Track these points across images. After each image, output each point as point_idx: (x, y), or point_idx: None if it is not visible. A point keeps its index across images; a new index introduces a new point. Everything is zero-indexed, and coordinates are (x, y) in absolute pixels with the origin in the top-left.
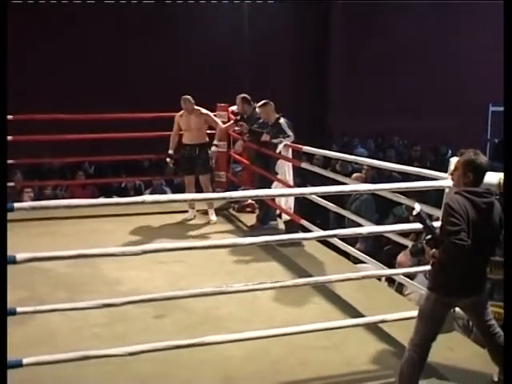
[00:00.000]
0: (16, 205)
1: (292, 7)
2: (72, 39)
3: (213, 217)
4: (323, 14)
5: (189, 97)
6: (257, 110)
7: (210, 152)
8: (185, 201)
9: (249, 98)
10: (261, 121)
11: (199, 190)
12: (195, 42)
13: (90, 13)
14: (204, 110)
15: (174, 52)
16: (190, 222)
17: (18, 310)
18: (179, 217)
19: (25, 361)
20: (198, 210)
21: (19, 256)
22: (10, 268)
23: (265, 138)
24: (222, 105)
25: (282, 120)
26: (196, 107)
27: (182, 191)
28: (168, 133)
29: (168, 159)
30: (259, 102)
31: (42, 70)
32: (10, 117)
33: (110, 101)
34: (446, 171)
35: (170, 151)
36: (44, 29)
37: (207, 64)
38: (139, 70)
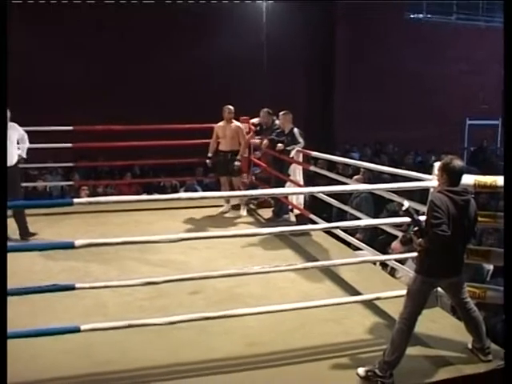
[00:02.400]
0: (75, 200)
1: (300, 24)
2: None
3: (244, 212)
4: (329, 22)
5: (231, 107)
6: (276, 121)
7: (235, 164)
8: (213, 198)
9: (271, 111)
10: (278, 130)
11: (232, 189)
12: (215, 58)
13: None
14: (238, 123)
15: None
16: (218, 215)
17: (77, 285)
18: (209, 211)
19: (82, 327)
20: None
21: (77, 242)
22: (70, 252)
23: (279, 147)
24: (244, 117)
25: (295, 130)
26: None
27: (211, 190)
28: (199, 141)
29: (207, 161)
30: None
31: (90, 86)
32: (70, 128)
33: (147, 113)
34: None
35: (210, 154)
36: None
37: (227, 79)
38: (169, 87)
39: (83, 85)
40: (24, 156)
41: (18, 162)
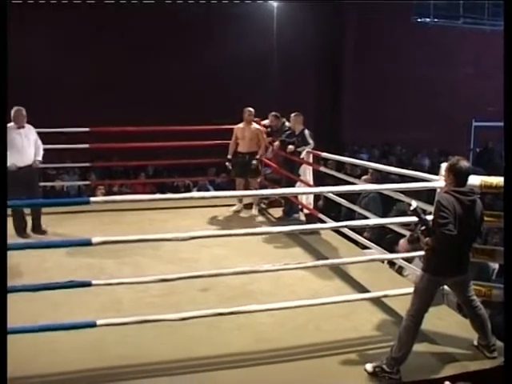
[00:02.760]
0: (92, 199)
1: (309, 25)
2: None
3: (255, 211)
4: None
5: (251, 109)
6: (286, 123)
7: (253, 163)
8: (225, 197)
9: (278, 115)
10: (288, 132)
11: (247, 189)
12: (225, 59)
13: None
14: (258, 126)
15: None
16: (230, 214)
17: (93, 282)
18: (221, 210)
19: (98, 322)
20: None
21: (94, 239)
22: (87, 249)
23: (289, 149)
24: (256, 119)
25: (306, 131)
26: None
27: (223, 189)
28: (211, 142)
29: (227, 163)
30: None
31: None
32: (86, 129)
33: (147, 114)
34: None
35: (229, 156)
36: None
37: (236, 80)
38: (170, 87)
39: (83, 85)
40: (40, 159)
41: (33, 162)
